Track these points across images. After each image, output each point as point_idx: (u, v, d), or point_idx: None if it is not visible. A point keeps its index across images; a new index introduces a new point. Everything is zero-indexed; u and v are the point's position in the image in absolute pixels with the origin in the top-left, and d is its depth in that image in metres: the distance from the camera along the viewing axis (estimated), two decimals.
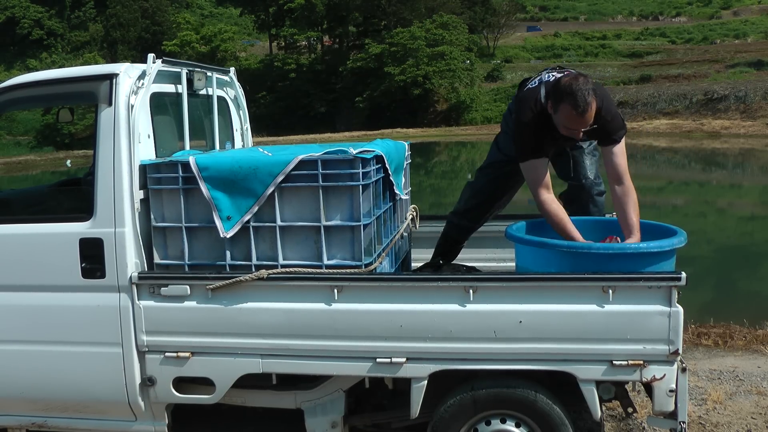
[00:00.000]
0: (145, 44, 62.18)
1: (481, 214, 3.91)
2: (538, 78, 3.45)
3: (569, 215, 3.26)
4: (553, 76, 3.33)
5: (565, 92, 3.05)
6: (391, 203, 3.49)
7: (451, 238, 3.99)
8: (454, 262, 4.00)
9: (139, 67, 3.17)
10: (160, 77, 3.27)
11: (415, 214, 4.19)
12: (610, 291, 2.69)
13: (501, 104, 47.25)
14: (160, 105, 3.37)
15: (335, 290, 2.86)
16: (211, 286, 2.94)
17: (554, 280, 2.78)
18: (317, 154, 2.90)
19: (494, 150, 3.84)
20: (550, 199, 3.25)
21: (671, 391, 2.73)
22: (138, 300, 3.04)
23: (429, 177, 23.37)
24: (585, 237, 3.18)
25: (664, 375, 2.71)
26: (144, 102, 3.13)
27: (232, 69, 4.14)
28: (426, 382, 2.87)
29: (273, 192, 2.92)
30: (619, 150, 3.28)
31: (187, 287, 2.98)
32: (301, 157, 2.89)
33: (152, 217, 3.07)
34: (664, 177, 22.42)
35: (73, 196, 3.99)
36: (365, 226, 2.92)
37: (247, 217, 2.96)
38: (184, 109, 3.46)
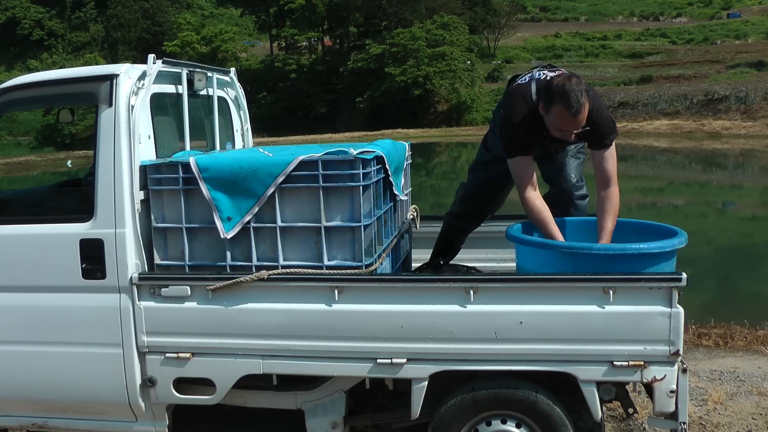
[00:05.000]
0: (146, 45, 62.10)
1: (476, 215, 3.89)
2: (529, 74, 3.36)
3: None
4: (544, 74, 3.26)
5: (557, 93, 2.99)
6: (392, 204, 3.49)
7: (448, 238, 3.98)
8: (454, 262, 4.00)
9: (139, 68, 3.17)
10: (161, 78, 3.27)
11: (415, 214, 4.19)
12: (611, 292, 2.69)
13: None
14: (161, 105, 3.37)
15: (336, 291, 2.86)
16: (211, 287, 2.94)
17: (555, 281, 2.78)
18: (318, 155, 2.90)
19: (483, 150, 3.82)
20: (534, 196, 3.24)
21: (672, 391, 2.73)
22: (138, 301, 3.04)
23: (430, 177, 23.38)
24: (584, 238, 3.18)
25: (665, 376, 2.71)
26: (144, 102, 3.13)
27: (233, 69, 4.14)
28: (426, 382, 2.87)
29: (273, 193, 2.92)
30: (609, 154, 3.22)
31: (188, 288, 2.98)
32: (301, 157, 2.89)
33: (153, 217, 3.07)
34: (665, 177, 22.34)
35: (74, 197, 3.98)
36: (366, 226, 2.92)
37: (247, 218, 2.96)
38: (184, 109, 3.46)
